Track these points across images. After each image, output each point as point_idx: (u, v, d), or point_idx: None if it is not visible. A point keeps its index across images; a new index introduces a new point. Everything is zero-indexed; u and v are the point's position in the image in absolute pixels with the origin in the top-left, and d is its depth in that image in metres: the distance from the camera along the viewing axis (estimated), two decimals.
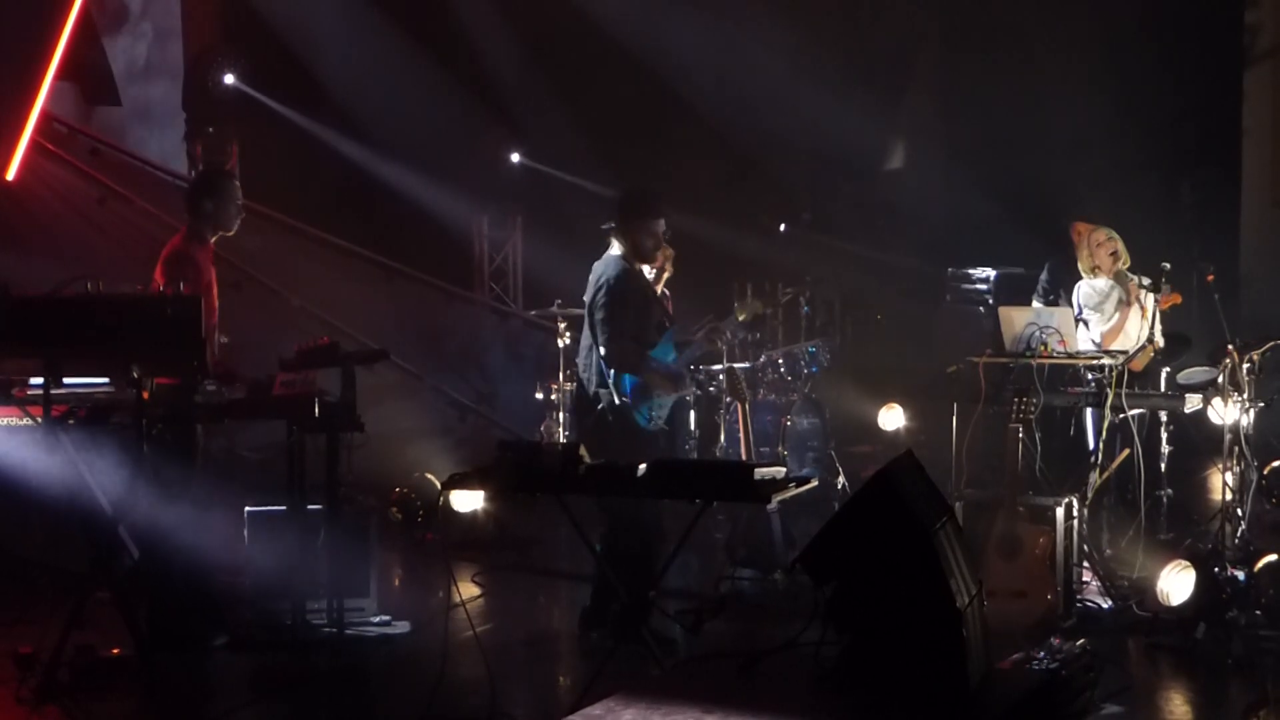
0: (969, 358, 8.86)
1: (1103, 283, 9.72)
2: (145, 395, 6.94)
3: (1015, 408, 8.16)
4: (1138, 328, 9.46)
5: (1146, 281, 9.28)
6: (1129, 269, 9.70)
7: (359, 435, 7.86)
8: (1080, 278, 9.88)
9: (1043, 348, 8.65)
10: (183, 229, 8.25)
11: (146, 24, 14.47)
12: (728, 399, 11.65)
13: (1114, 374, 8.57)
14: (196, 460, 7.72)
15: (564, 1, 15.16)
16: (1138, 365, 9.13)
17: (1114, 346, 9.33)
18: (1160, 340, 9.25)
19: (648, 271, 12.01)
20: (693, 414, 11.13)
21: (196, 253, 7.99)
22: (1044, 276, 10.86)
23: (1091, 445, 9.12)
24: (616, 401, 7.89)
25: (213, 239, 8.18)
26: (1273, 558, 7.90)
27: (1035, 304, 10.44)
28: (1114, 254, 9.69)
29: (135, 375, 6.87)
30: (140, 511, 7.15)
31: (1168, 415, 9.29)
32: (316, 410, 7.46)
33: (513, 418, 13.92)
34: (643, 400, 7.91)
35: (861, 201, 17.18)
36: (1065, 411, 9.32)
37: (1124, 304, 9.58)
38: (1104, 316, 9.65)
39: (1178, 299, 9.56)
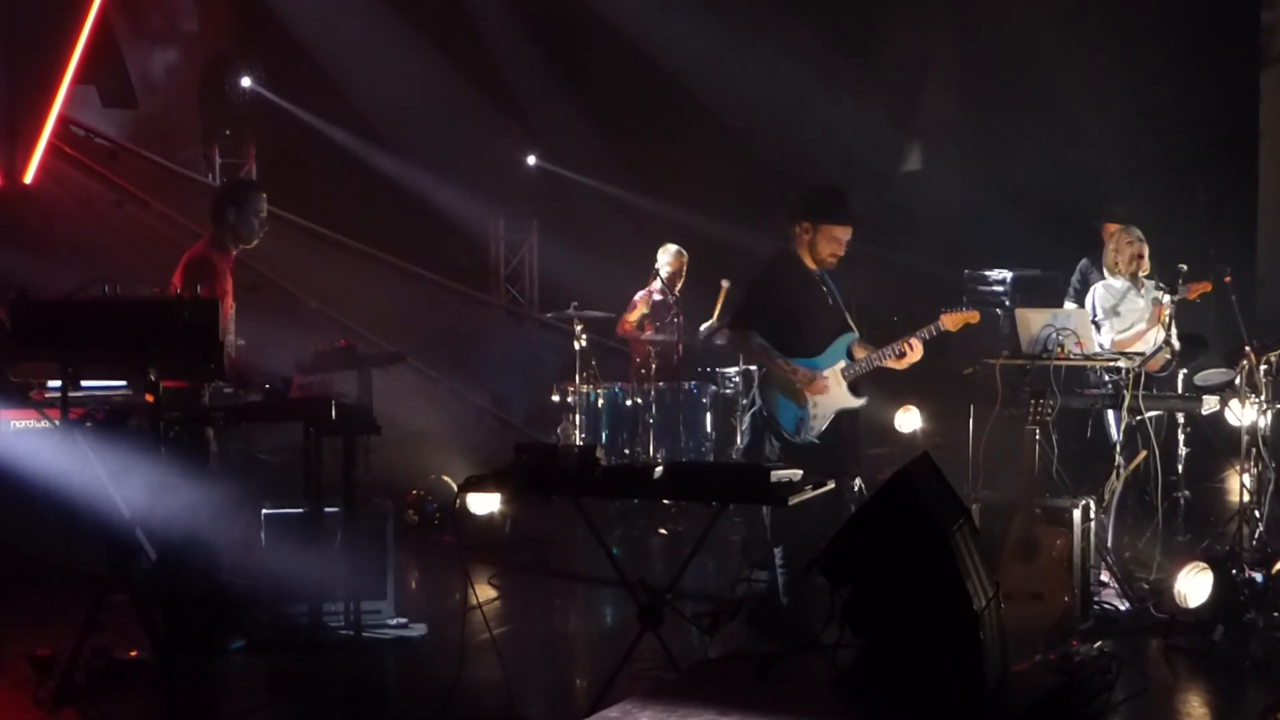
0: (986, 359, 8.84)
1: (1120, 284, 9.69)
2: (149, 398, 6.96)
3: (1032, 409, 8.14)
4: (1154, 334, 9.44)
5: (1163, 284, 9.28)
6: (1147, 275, 9.68)
7: (375, 437, 7.86)
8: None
9: (1059, 349, 8.62)
10: (206, 236, 8.28)
11: (163, 27, 14.51)
12: (744, 401, 11.66)
13: (1130, 376, 8.55)
14: (206, 462, 7.74)
15: (580, 4, 15.18)
16: (1154, 365, 9.11)
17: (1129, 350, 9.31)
18: (1176, 343, 9.23)
19: (665, 271, 12.05)
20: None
21: (217, 259, 8.00)
22: (1076, 276, 10.85)
23: (1115, 440, 9.11)
24: (765, 411, 7.85)
25: (234, 250, 8.19)
26: None
27: (1068, 304, 10.41)
28: (1140, 256, 9.67)
29: (152, 378, 6.88)
30: (157, 514, 7.16)
31: (1185, 417, 9.27)
32: (333, 413, 7.47)
33: (529, 420, 13.94)
34: (782, 403, 7.85)
35: (877, 203, 17.17)
36: (1082, 413, 9.31)
37: (1144, 319, 9.54)
38: (1121, 322, 9.62)
39: (1207, 286, 9.56)
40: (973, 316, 8.28)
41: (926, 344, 8.06)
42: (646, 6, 15.28)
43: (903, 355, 8.03)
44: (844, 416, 8.06)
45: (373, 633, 7.84)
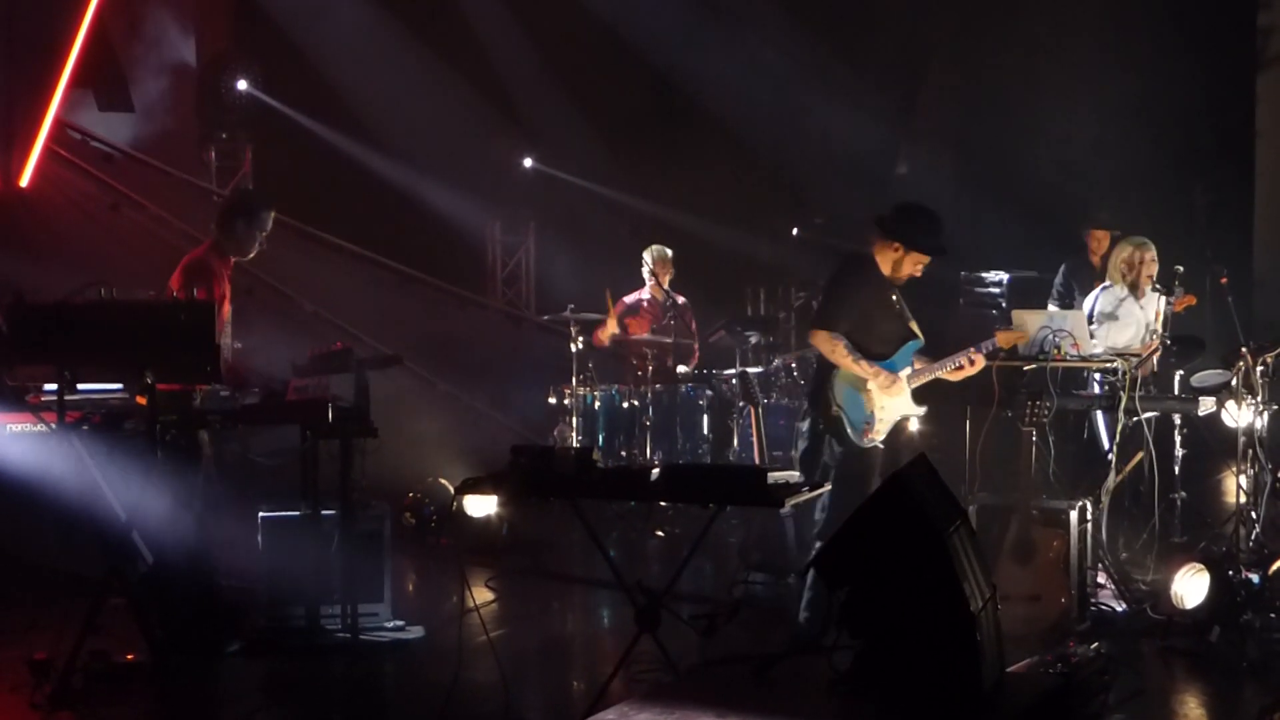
0: None
1: (1121, 291, 9.67)
2: (141, 400, 6.96)
3: (1029, 411, 8.14)
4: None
5: (1159, 287, 9.27)
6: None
7: (372, 440, 7.86)
8: (1095, 282, 9.85)
9: (1056, 351, 8.62)
10: (206, 242, 8.32)
11: (159, 30, 14.51)
12: (741, 403, 11.66)
13: (1126, 378, 8.55)
14: (201, 465, 7.74)
15: (577, 6, 15.18)
16: (1147, 370, 9.10)
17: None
18: (1168, 341, 9.21)
19: (647, 272, 12.07)
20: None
21: (215, 264, 8.04)
22: (1059, 279, 10.84)
23: (1105, 448, 9.10)
24: (836, 407, 7.82)
25: (233, 257, 8.23)
26: None
27: (1051, 306, 10.41)
28: (1151, 276, 9.64)
29: (148, 381, 6.88)
30: (153, 517, 7.16)
31: (1181, 418, 9.26)
32: (330, 415, 7.47)
33: (526, 422, 13.93)
34: (853, 401, 7.77)
35: (874, 205, 17.16)
36: (1079, 415, 9.30)
37: (1150, 336, 9.51)
38: (1118, 328, 9.60)
39: (1192, 300, 9.54)
40: (1022, 337, 8.35)
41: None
42: (643, 8, 15.29)
43: (961, 368, 8.01)
44: (903, 423, 8.02)
45: (370, 635, 7.84)
